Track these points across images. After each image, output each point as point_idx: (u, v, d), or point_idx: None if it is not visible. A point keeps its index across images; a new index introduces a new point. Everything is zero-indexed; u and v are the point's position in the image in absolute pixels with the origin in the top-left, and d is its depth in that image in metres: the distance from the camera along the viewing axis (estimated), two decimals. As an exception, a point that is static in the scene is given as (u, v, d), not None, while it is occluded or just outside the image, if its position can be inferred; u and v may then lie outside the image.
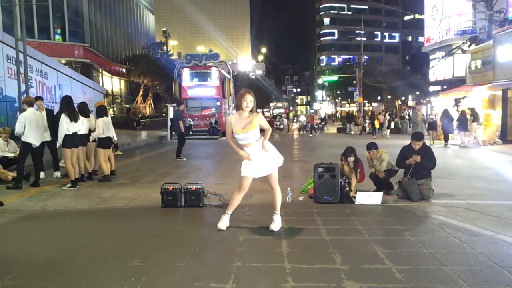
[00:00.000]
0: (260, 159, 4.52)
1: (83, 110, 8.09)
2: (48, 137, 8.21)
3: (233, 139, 4.62)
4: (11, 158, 8.58)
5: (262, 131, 4.61)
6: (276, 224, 4.72)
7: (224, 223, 4.72)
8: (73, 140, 7.47)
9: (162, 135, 22.62)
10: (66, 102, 7.64)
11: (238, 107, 4.49)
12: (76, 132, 7.51)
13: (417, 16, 40.01)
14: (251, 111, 4.47)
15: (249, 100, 4.42)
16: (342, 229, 4.80)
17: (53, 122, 8.12)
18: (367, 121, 29.73)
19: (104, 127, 8.20)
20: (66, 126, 7.33)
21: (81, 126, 7.73)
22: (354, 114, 34.16)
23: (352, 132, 28.31)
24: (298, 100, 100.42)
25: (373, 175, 6.90)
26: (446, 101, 22.55)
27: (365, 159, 7.06)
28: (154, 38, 51.30)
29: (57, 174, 8.75)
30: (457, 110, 19.33)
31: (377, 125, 25.26)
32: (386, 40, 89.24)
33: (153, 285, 3.25)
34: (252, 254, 3.97)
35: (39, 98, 8.82)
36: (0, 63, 17.16)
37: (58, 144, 7.73)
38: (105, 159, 8.29)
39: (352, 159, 6.64)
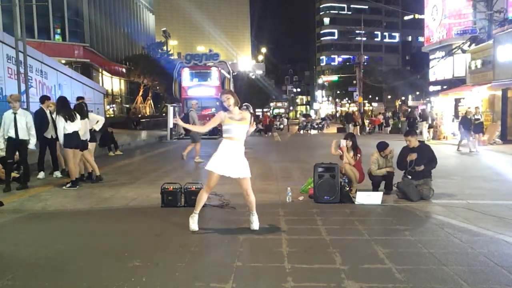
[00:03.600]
0: (232, 159, 4.54)
1: (81, 110, 8.11)
2: (54, 135, 8.39)
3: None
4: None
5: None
6: (256, 222, 4.70)
7: (195, 223, 4.65)
8: (74, 140, 7.48)
9: (162, 135, 22.60)
10: (61, 103, 7.74)
11: (225, 108, 4.71)
12: (77, 132, 7.53)
13: (417, 16, 39.88)
14: (240, 107, 4.72)
15: (225, 98, 4.63)
16: (342, 229, 4.81)
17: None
18: (367, 121, 31.10)
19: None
20: (63, 125, 7.40)
21: (80, 125, 7.73)
22: (353, 113, 34.25)
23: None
24: (298, 100, 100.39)
25: (373, 175, 6.88)
26: (446, 101, 22.56)
27: (368, 159, 7.04)
28: (154, 38, 51.22)
29: (57, 174, 8.76)
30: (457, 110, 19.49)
31: (366, 123, 27.45)
32: (386, 40, 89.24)
33: (153, 285, 3.25)
34: (252, 254, 3.97)
35: (46, 97, 8.85)
36: (0, 63, 17.14)
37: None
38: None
39: (350, 143, 6.84)
